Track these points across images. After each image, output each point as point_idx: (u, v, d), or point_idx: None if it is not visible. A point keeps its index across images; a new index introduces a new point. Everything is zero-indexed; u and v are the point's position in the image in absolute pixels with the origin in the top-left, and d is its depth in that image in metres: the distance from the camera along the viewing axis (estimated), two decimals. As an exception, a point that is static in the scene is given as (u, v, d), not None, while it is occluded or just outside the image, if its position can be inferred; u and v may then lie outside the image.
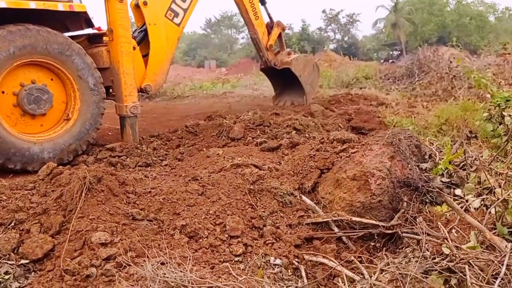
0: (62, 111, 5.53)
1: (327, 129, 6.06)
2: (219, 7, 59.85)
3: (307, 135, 5.75)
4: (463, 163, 4.33)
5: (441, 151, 4.53)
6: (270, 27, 9.01)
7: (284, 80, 9.35)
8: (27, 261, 2.83)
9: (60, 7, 5.29)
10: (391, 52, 51.79)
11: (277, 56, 8.97)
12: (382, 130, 6.09)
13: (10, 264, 2.82)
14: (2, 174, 4.75)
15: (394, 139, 4.00)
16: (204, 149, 5.70)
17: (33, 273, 2.81)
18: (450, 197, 3.34)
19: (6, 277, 2.74)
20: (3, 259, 2.84)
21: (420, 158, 4.27)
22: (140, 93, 6.70)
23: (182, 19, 7.08)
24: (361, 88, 13.87)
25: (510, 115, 5.29)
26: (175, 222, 3.19)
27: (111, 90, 6.28)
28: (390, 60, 47.51)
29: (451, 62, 9.71)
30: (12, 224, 3.08)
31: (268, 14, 9.09)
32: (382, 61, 49.19)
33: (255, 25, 8.68)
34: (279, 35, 9.16)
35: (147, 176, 4.78)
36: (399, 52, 50.41)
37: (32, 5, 5.05)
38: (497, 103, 5.35)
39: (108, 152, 5.65)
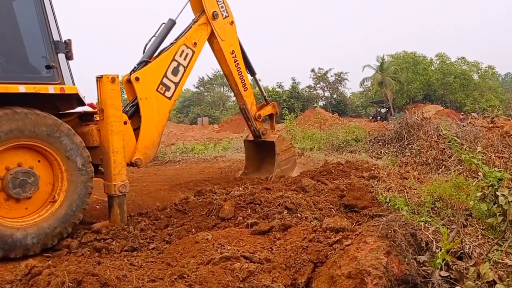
0: (48, 193, 5.36)
1: (319, 208, 5.95)
2: (211, 66, 61.21)
3: (299, 215, 5.64)
4: (461, 252, 4.24)
5: (437, 239, 4.42)
6: (266, 102, 9.32)
7: (259, 157, 9.46)
8: None
9: (51, 90, 5.26)
10: (379, 109, 52.89)
11: (267, 132, 9.12)
12: (375, 208, 6.04)
13: None
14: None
15: (389, 231, 3.90)
16: (193, 229, 5.54)
17: None
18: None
19: None
20: None
21: (416, 247, 4.15)
22: (130, 166, 6.61)
23: (173, 93, 7.15)
24: (351, 152, 13.95)
25: (503, 195, 5.25)
26: (160, 333, 2.99)
27: (100, 168, 6.18)
28: (378, 117, 48.55)
29: (439, 136, 9.80)
30: None
31: (261, 91, 9.43)
32: (370, 117, 50.19)
33: (243, 96, 8.76)
34: (271, 116, 9.37)
35: (133, 264, 4.62)
36: (387, 109, 51.52)
37: (22, 89, 5.01)
38: (490, 183, 5.33)
39: (94, 235, 5.44)
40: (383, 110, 51.61)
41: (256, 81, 9.41)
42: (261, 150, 9.38)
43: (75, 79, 5.68)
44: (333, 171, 8.27)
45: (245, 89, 8.74)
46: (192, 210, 6.07)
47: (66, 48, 5.53)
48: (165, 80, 7.05)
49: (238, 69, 8.51)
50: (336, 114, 47.26)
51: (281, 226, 5.06)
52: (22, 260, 4.89)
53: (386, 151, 12.81)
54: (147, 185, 9.75)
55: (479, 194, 5.43)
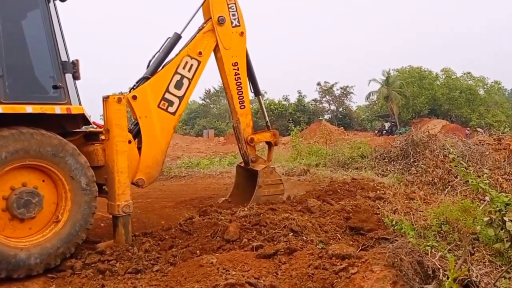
0: (52, 213, 5.35)
1: (325, 230, 5.90)
2: (218, 79, 60.92)
3: (304, 237, 5.58)
4: (468, 280, 4.16)
5: (444, 266, 4.35)
6: (267, 127, 8.43)
7: (248, 186, 8.13)
8: None
9: (58, 110, 5.28)
10: (384, 124, 52.92)
11: (257, 160, 8.04)
12: (381, 230, 5.97)
13: None
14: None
15: (396, 259, 3.86)
16: (198, 251, 5.51)
17: None
18: None
19: None
20: None
21: (423, 275, 4.09)
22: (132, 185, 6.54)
23: (177, 107, 6.83)
24: (357, 168, 13.89)
25: (511, 220, 5.18)
26: None
27: (104, 187, 6.16)
28: (384, 131, 48.56)
29: (445, 156, 9.73)
30: None
31: (264, 114, 8.52)
32: (376, 131, 50.18)
33: (238, 114, 7.76)
34: (269, 144, 8.35)
35: (136, 287, 4.60)
36: (393, 123, 51.49)
37: (29, 110, 5.04)
38: (497, 208, 5.26)
39: (98, 256, 5.40)
40: (387, 125, 51.63)
41: (260, 102, 8.69)
42: (251, 179, 8.05)
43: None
44: (338, 190, 8.23)
45: (242, 107, 7.78)
46: (197, 231, 6.02)
47: (73, 68, 5.57)
48: (167, 95, 6.76)
49: (238, 83, 7.66)
50: (342, 127, 47.35)
51: (286, 250, 5.02)
52: (26, 281, 4.89)
53: (392, 168, 12.74)
54: (152, 202, 9.69)
55: (486, 219, 5.35)
